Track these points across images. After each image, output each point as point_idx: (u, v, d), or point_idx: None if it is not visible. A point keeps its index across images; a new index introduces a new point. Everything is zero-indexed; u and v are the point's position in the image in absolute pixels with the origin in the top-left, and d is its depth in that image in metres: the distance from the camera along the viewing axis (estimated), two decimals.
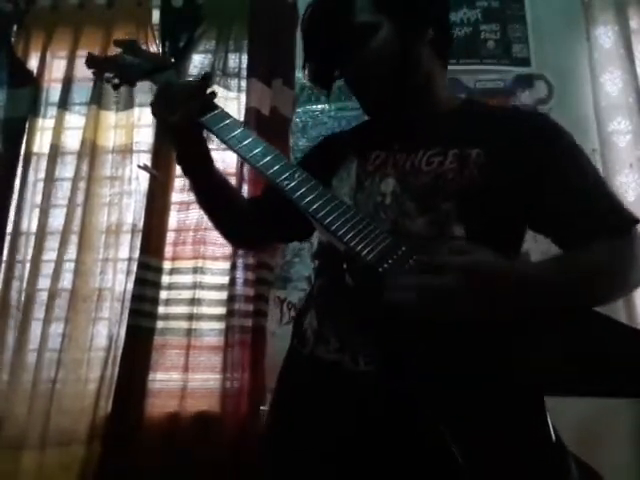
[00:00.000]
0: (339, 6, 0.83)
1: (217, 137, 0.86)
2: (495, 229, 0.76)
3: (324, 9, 0.85)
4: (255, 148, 0.83)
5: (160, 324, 1.64)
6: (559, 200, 0.77)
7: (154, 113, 0.87)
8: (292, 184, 0.77)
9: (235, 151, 0.84)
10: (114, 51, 1.03)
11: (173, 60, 0.95)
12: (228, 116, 0.88)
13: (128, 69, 0.96)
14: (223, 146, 0.87)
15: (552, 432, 0.63)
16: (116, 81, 0.98)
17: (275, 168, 0.79)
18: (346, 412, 0.75)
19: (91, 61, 0.99)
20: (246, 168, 1.69)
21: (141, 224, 1.71)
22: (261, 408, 1.54)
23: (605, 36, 1.79)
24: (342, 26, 0.83)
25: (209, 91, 0.88)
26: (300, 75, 1.84)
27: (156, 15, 1.90)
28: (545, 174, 0.78)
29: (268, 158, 0.81)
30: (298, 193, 0.76)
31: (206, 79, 0.89)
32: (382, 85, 0.85)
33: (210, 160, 0.93)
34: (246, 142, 0.83)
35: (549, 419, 0.64)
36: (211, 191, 0.96)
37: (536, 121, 0.85)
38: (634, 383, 0.63)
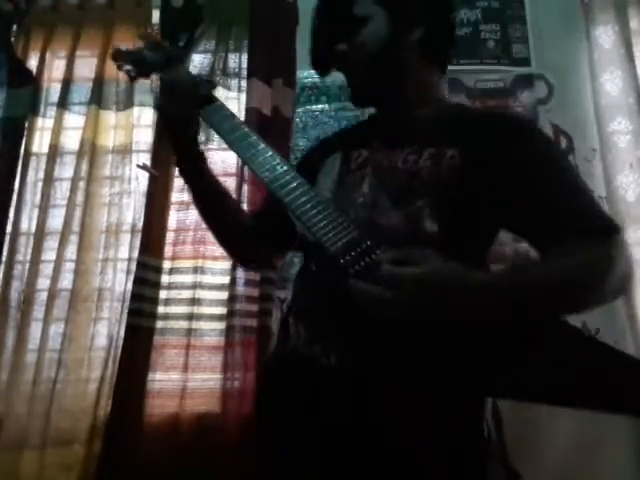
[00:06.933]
0: None
1: (212, 127, 0.91)
2: (467, 226, 0.77)
3: None
4: (244, 140, 0.87)
5: (160, 324, 1.64)
6: (531, 202, 0.77)
7: (157, 105, 0.95)
8: (272, 175, 0.81)
9: (228, 143, 0.89)
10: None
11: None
12: (225, 108, 0.92)
13: (145, 63, 1.01)
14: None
15: (484, 435, 0.68)
16: (132, 74, 1.02)
17: (259, 159, 0.83)
18: (317, 407, 0.75)
19: (115, 54, 1.05)
20: (247, 169, 1.69)
21: (141, 224, 1.71)
22: None
23: (605, 36, 1.79)
24: (340, 16, 0.89)
25: (207, 86, 0.93)
26: (301, 75, 1.85)
27: (156, 15, 1.89)
28: (519, 176, 0.78)
29: (253, 151, 0.85)
30: (276, 183, 0.80)
31: (210, 82, 0.95)
32: (361, 75, 0.89)
33: (205, 160, 0.98)
34: (237, 134, 0.87)
35: (485, 422, 0.68)
36: (208, 193, 0.99)
37: (512, 122, 0.86)
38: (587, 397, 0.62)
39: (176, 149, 0.96)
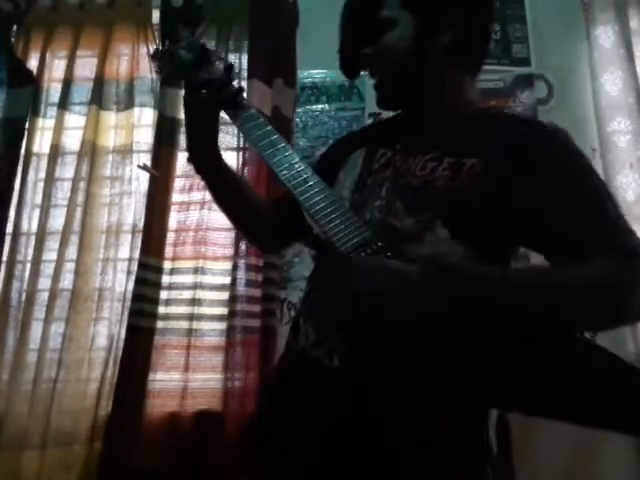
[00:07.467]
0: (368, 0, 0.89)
1: (237, 125, 0.95)
2: (480, 238, 0.73)
3: (355, 2, 0.92)
4: (265, 138, 0.89)
5: (160, 324, 1.64)
6: (556, 219, 0.74)
7: (185, 104, 0.93)
8: (289, 173, 0.83)
9: (250, 141, 0.92)
10: None
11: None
12: (250, 107, 0.96)
13: (181, 63, 1.01)
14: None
15: (487, 446, 0.70)
16: (169, 73, 1.06)
17: (278, 157, 0.85)
18: (318, 408, 0.75)
19: (154, 54, 1.09)
20: (246, 169, 1.70)
21: (141, 224, 1.71)
22: None
23: (605, 36, 1.79)
24: (366, 19, 0.88)
25: (235, 86, 0.95)
26: (301, 75, 1.85)
27: (156, 15, 1.89)
28: (542, 191, 0.75)
29: (273, 149, 0.87)
30: (294, 182, 0.81)
31: (229, 69, 0.96)
32: (387, 79, 0.89)
33: (220, 155, 0.98)
34: (259, 132, 0.90)
35: (489, 431, 0.70)
36: (226, 187, 1.00)
37: (542, 134, 0.82)
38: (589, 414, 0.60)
39: (196, 148, 0.95)
